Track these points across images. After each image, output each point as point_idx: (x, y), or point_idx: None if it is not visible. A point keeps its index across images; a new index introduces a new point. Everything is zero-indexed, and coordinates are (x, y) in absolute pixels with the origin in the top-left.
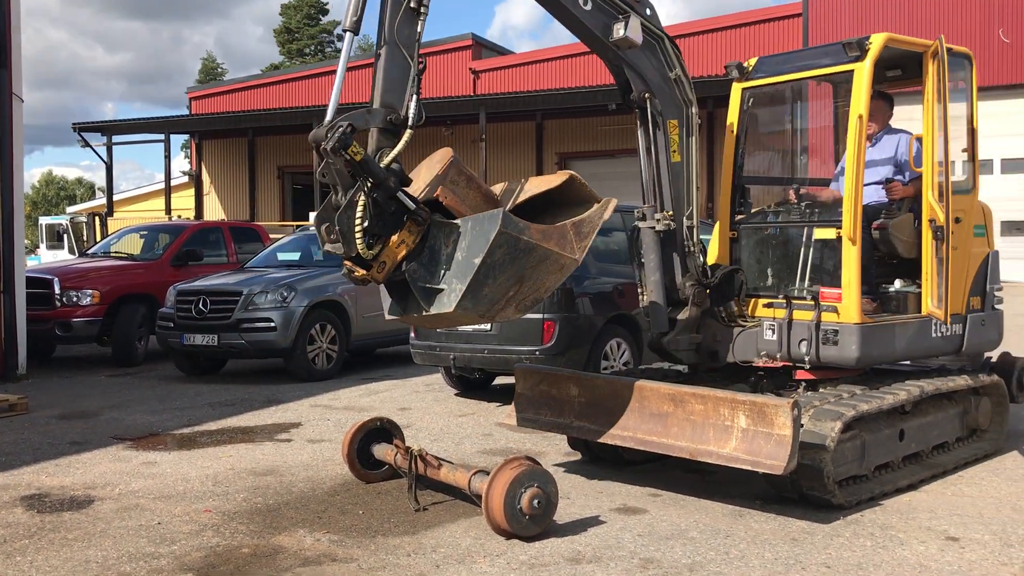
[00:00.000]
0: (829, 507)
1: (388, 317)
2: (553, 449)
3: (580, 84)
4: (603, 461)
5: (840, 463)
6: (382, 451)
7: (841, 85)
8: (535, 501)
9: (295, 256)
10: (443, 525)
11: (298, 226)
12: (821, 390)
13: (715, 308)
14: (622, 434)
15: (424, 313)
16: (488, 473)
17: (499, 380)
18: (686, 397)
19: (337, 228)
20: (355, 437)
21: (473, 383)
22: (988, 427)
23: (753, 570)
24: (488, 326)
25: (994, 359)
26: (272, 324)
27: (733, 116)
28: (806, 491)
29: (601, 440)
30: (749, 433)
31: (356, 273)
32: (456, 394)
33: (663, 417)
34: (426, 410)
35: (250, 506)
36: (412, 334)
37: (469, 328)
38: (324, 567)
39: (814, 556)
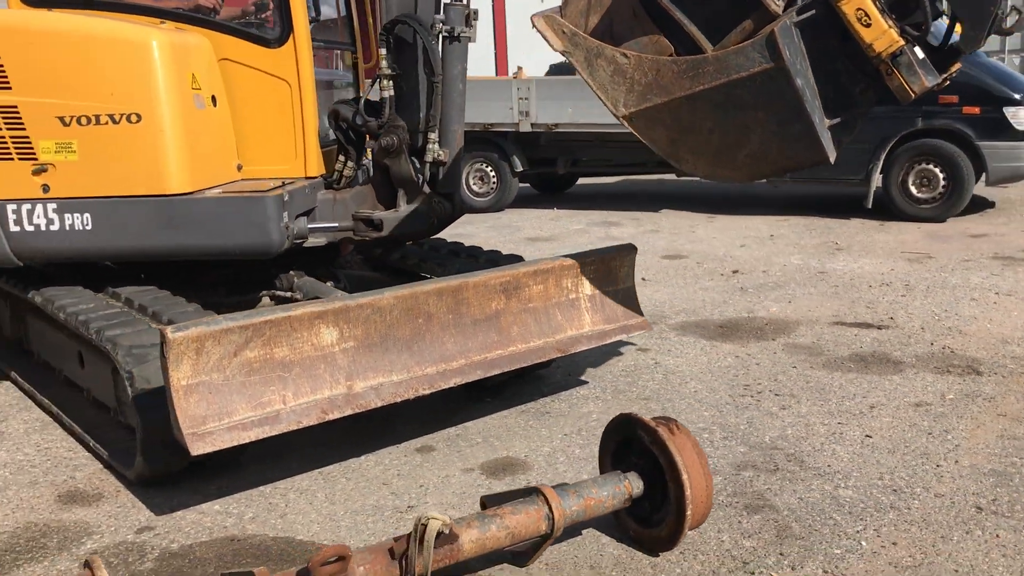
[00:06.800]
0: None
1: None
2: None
3: None
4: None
5: None
6: None
7: None
8: None
9: None
10: None
11: None
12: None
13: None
14: (450, 368)
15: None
16: None
17: None
18: (521, 279)
19: None
20: None
21: None
22: None
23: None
24: None
25: None
26: None
27: None
28: None
29: (417, 395)
30: (597, 299)
31: None
32: None
33: (494, 320)
34: None
35: None
36: None
37: None
38: None
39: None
